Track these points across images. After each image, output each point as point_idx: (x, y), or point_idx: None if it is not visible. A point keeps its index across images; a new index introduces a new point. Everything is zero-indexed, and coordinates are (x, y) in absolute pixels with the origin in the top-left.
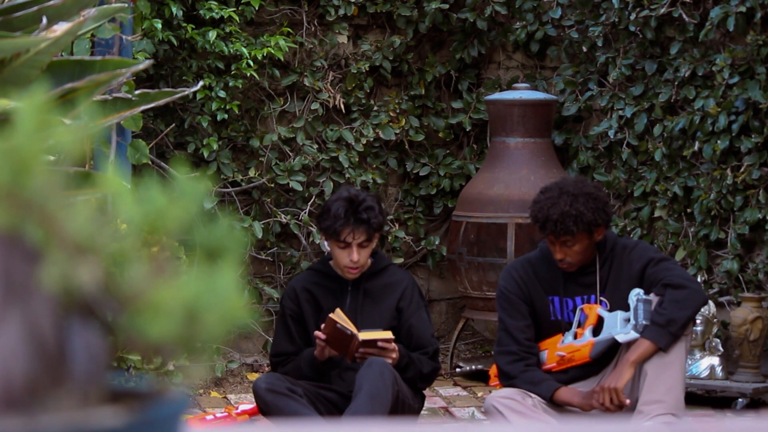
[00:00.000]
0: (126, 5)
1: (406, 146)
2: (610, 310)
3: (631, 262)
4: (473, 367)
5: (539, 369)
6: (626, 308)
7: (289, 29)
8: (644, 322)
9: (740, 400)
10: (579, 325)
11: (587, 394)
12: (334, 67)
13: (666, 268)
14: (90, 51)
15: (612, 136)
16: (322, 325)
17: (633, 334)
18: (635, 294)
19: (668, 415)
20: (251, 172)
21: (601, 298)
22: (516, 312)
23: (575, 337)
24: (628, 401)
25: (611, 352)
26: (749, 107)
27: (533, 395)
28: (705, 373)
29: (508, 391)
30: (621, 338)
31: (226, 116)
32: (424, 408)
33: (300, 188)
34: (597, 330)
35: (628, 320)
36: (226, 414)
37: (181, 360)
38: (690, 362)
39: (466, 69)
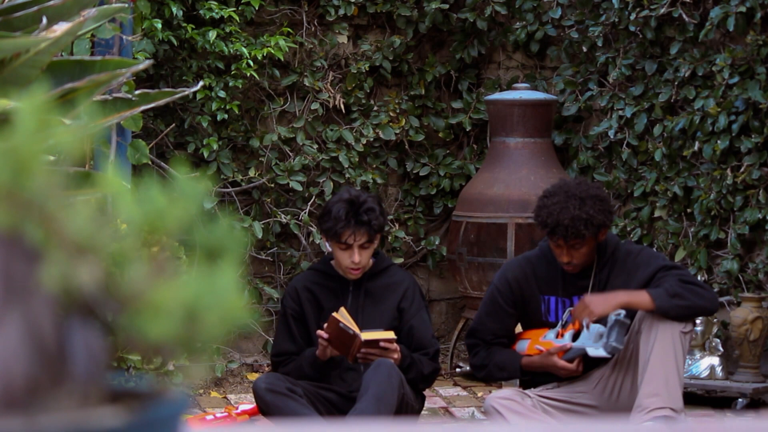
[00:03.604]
0: (126, 5)
1: (406, 146)
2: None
3: (638, 266)
4: None
5: (500, 348)
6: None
7: (289, 29)
8: (614, 344)
9: (740, 400)
10: (564, 326)
11: (546, 354)
12: (334, 67)
13: (680, 275)
14: (90, 51)
15: (612, 136)
16: (325, 325)
17: (602, 352)
18: (616, 313)
19: (666, 408)
20: (251, 172)
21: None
22: (495, 314)
23: (557, 336)
24: (580, 368)
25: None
26: (749, 107)
27: (532, 395)
28: (705, 373)
29: (507, 391)
30: (591, 352)
31: (226, 116)
32: (424, 408)
33: (300, 188)
34: (578, 335)
35: (602, 336)
36: (226, 414)
37: (181, 360)
38: (690, 362)
39: (466, 69)
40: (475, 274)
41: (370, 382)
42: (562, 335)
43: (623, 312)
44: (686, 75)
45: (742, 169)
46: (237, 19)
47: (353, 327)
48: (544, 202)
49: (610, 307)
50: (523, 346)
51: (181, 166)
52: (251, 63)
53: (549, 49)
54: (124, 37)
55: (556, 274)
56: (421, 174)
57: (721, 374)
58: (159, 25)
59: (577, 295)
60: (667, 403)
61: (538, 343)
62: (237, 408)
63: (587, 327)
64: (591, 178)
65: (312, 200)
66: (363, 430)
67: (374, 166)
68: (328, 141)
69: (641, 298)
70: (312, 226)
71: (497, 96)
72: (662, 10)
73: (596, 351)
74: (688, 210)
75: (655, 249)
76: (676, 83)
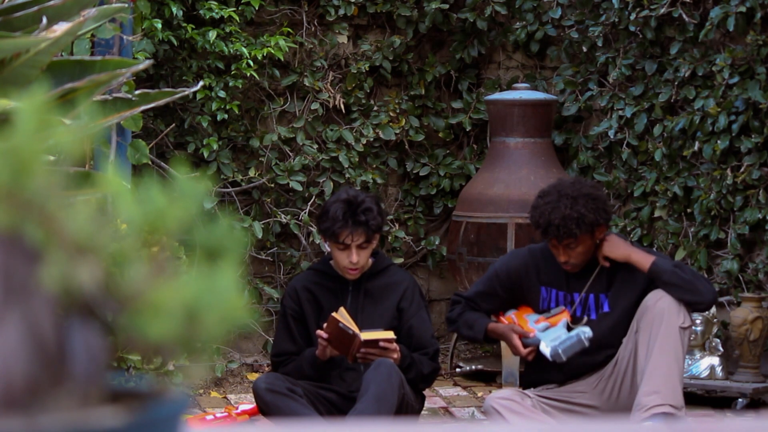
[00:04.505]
0: (126, 5)
1: (406, 146)
2: (611, 311)
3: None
4: (473, 367)
5: (474, 311)
6: (626, 312)
7: (289, 29)
8: (559, 351)
9: (740, 400)
10: (548, 316)
11: (511, 328)
12: (334, 67)
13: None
14: (90, 51)
15: (612, 136)
16: (324, 324)
17: (546, 352)
18: (582, 331)
19: (666, 405)
20: (251, 172)
21: (587, 317)
22: (488, 295)
23: (536, 321)
24: (530, 357)
25: (611, 355)
26: (749, 107)
27: (532, 395)
28: (705, 373)
29: (507, 391)
30: (540, 347)
31: (226, 116)
32: (424, 408)
33: (300, 188)
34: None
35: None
36: (226, 414)
37: (181, 360)
38: (690, 362)
39: (466, 69)
40: (475, 274)
41: (370, 382)
42: (539, 323)
43: (590, 334)
44: (686, 75)
45: (742, 169)
46: (237, 19)
47: (353, 327)
48: (538, 202)
49: (616, 255)
50: (509, 312)
51: (181, 166)
52: (251, 63)
53: (549, 49)
54: (124, 37)
55: (560, 269)
56: (421, 174)
57: (721, 374)
58: (159, 25)
59: (578, 292)
60: (666, 400)
61: (518, 316)
62: (237, 408)
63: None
64: (591, 178)
65: (312, 200)
66: (363, 430)
67: (374, 166)
68: (328, 141)
69: (645, 258)
70: (312, 226)
71: (497, 96)
72: (662, 10)
73: (544, 349)
74: (688, 210)
75: (655, 249)
76: (676, 83)
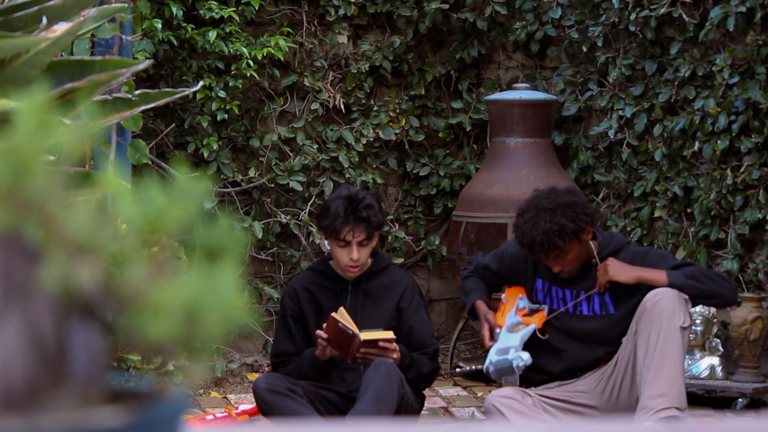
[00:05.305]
0: (126, 5)
1: (406, 146)
2: (615, 308)
3: (648, 266)
4: (473, 367)
5: (477, 279)
6: (627, 309)
7: (289, 29)
8: (492, 369)
9: (740, 400)
10: (529, 313)
11: (486, 314)
12: (334, 67)
13: (699, 267)
14: (90, 51)
15: (612, 136)
16: (324, 324)
17: (486, 362)
18: (518, 357)
19: (672, 408)
20: (251, 172)
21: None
22: (492, 273)
23: (516, 311)
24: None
25: (612, 352)
26: (749, 107)
27: (533, 394)
28: (705, 373)
29: (508, 390)
30: (490, 352)
31: (226, 116)
32: (424, 408)
33: (300, 188)
34: (516, 329)
35: (502, 352)
36: (226, 414)
37: (181, 360)
38: (690, 362)
39: (466, 69)
40: None
41: (370, 382)
42: (518, 314)
43: (525, 362)
44: (686, 75)
45: (742, 169)
46: (237, 19)
47: (352, 327)
48: (518, 221)
49: (626, 277)
50: (512, 287)
51: (181, 166)
52: (251, 63)
53: (549, 49)
54: (124, 37)
55: None
56: (421, 174)
57: (721, 374)
58: (159, 25)
59: (570, 289)
60: (672, 402)
61: (511, 295)
62: (237, 408)
63: (601, 288)
64: (591, 178)
65: (312, 200)
66: (363, 430)
67: (374, 166)
68: (328, 141)
69: (658, 275)
70: (312, 226)
71: (497, 96)
72: (662, 10)
73: (488, 356)
74: (688, 210)
75: (655, 248)
76: (676, 83)
